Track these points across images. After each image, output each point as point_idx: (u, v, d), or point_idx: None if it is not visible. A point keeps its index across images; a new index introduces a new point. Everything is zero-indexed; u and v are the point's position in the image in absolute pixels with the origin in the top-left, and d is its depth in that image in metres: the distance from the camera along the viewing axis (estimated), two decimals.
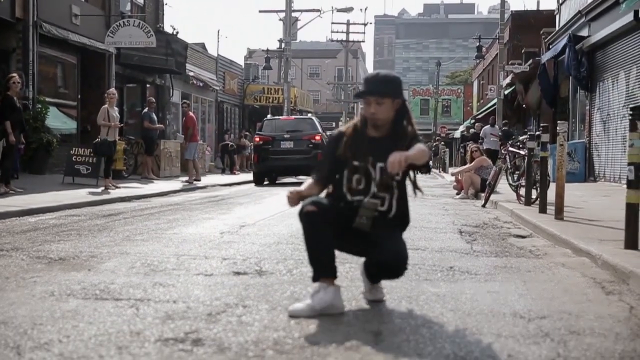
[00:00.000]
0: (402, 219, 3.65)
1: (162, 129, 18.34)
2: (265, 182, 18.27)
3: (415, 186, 3.74)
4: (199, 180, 17.03)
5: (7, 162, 10.78)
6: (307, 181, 3.66)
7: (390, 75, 3.66)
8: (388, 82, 3.57)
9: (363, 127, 3.63)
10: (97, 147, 12.88)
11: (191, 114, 17.93)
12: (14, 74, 11.42)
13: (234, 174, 23.96)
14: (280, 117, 23.45)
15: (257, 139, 18.01)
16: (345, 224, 3.48)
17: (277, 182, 18.53)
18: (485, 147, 18.57)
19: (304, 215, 3.35)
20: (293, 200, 3.51)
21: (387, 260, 3.41)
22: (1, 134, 10.67)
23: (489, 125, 21.65)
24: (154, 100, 19.20)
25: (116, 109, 13.43)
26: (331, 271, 3.37)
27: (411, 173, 3.66)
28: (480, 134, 21.56)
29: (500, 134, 20.92)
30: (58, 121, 17.46)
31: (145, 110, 18.31)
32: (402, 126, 3.59)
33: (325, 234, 3.35)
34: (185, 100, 20.98)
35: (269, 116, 24.53)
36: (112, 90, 13.54)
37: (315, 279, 3.38)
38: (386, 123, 3.57)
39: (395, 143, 3.48)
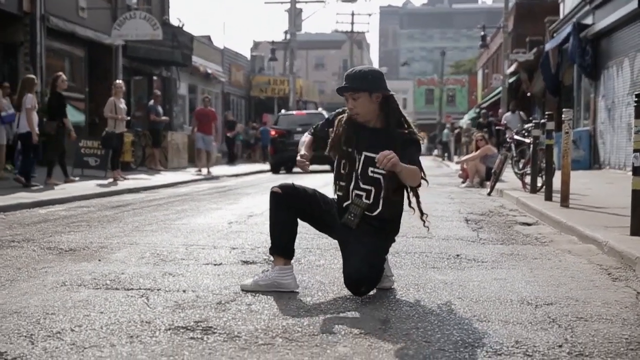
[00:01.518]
0: (389, 224, 3.61)
1: (168, 121, 18.44)
2: (282, 171, 19.55)
3: (419, 209, 3.66)
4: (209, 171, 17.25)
5: (57, 156, 11.39)
6: (305, 139, 3.85)
7: (368, 69, 3.66)
8: (363, 78, 3.57)
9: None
10: (105, 140, 12.93)
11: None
12: (61, 73, 11.94)
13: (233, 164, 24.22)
14: (294, 112, 23.97)
15: (273, 133, 19.56)
16: (331, 214, 3.64)
17: (292, 171, 19.55)
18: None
19: (270, 195, 3.64)
20: (305, 165, 3.64)
21: (345, 279, 3.47)
22: (56, 128, 11.24)
23: (509, 112, 19.19)
24: (159, 93, 19.26)
25: (123, 101, 13.46)
26: (284, 252, 3.61)
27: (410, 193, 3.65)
28: (503, 120, 18.73)
29: (524, 119, 17.85)
30: (67, 114, 17.50)
31: (151, 103, 18.37)
32: (392, 123, 3.58)
33: (284, 215, 3.59)
34: (207, 95, 21.03)
35: (283, 111, 24.99)
36: (119, 82, 13.57)
37: (270, 252, 3.67)
38: (369, 117, 3.59)
39: (388, 135, 3.53)
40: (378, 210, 3.54)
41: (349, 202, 3.57)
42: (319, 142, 3.81)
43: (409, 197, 3.68)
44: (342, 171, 3.63)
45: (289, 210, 3.59)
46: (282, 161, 19.20)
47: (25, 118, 10.54)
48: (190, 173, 16.83)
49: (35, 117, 10.70)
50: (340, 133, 3.63)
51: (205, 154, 17.37)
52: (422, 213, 3.66)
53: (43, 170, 11.58)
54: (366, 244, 3.48)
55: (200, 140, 17.26)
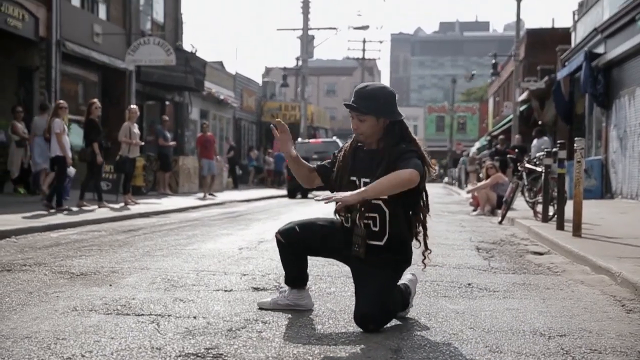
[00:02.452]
0: (400, 250, 3.48)
1: (175, 146, 18.75)
2: (298, 196, 20.50)
3: (424, 240, 3.57)
4: (214, 195, 17.70)
5: (95, 180, 11.98)
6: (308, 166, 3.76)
7: (378, 90, 3.46)
8: (372, 99, 3.41)
9: (357, 140, 3.59)
10: (119, 164, 13.03)
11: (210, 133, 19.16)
12: (95, 100, 12.28)
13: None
14: (310, 140, 24.96)
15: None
16: (335, 247, 3.63)
17: (308, 196, 20.45)
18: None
19: (276, 240, 3.72)
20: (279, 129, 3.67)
21: (355, 318, 3.40)
22: (90, 154, 11.77)
23: (535, 139, 17.51)
24: (167, 118, 19.48)
25: (136, 125, 13.58)
26: (296, 283, 3.76)
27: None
28: (533, 149, 17.16)
29: (549, 146, 15.36)
30: (79, 138, 17.66)
31: (159, 127, 18.60)
32: (391, 142, 3.42)
33: (290, 255, 3.68)
34: (204, 121, 21.43)
35: (299, 140, 25.66)
36: (134, 107, 13.70)
37: (285, 282, 3.81)
38: (373, 138, 3.49)
39: (382, 159, 3.41)
40: (386, 237, 3.44)
41: (354, 235, 3.48)
42: (323, 178, 3.72)
43: (416, 229, 3.56)
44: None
45: (294, 250, 3.65)
46: (298, 186, 20.03)
47: (56, 142, 10.74)
48: (194, 197, 16.87)
49: (66, 141, 10.89)
50: (343, 165, 3.57)
51: (210, 179, 18.05)
52: (425, 247, 3.58)
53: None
54: (377, 281, 3.41)
55: (207, 166, 18.01)
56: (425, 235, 3.58)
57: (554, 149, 9.42)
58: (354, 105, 3.45)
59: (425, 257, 3.59)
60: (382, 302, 3.38)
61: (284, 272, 3.80)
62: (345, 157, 3.59)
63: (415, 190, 3.37)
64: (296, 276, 3.73)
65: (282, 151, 3.69)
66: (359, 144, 3.59)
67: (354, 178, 3.50)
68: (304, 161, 3.73)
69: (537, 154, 11.37)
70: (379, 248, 3.46)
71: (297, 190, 20.41)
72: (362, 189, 3.33)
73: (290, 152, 3.63)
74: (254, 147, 32.84)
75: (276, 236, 3.69)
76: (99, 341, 3.07)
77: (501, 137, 23.02)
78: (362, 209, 3.44)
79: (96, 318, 3.54)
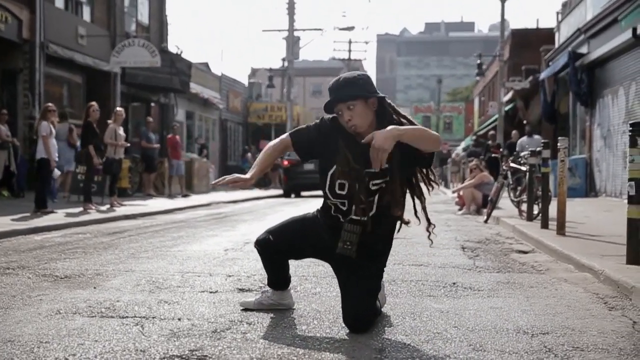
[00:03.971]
0: (386, 241, 3.44)
1: (159, 148, 18.86)
2: (292, 196, 21.78)
3: (425, 215, 3.44)
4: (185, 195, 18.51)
5: (88, 183, 12.09)
6: (273, 146, 3.50)
7: (354, 75, 3.32)
8: (353, 83, 3.26)
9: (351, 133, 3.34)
10: (105, 166, 12.98)
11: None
12: (93, 102, 12.28)
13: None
14: None
15: (286, 162, 21.51)
16: (315, 247, 3.54)
17: (301, 194, 21.91)
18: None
19: (255, 245, 3.69)
20: (241, 184, 3.37)
21: (344, 319, 3.36)
22: (85, 157, 11.98)
23: (525, 137, 16.39)
24: (151, 119, 19.48)
25: (121, 127, 13.52)
26: (278, 285, 3.77)
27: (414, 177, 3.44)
28: (517, 148, 15.76)
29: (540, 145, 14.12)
30: None
31: (143, 129, 18.60)
32: (386, 125, 3.19)
33: (269, 261, 3.67)
34: (175, 123, 21.65)
35: None
36: (120, 109, 13.66)
37: (268, 285, 3.82)
38: (367, 127, 3.26)
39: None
40: (381, 231, 3.36)
41: (345, 232, 3.30)
42: (301, 150, 3.45)
43: (414, 206, 3.48)
44: (340, 192, 3.34)
45: (272, 258, 3.65)
46: (293, 187, 21.68)
47: (42, 145, 10.70)
48: (170, 200, 16.83)
49: (53, 144, 10.85)
50: (345, 154, 3.29)
51: (179, 178, 18.88)
52: (429, 222, 3.47)
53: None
54: (364, 282, 3.36)
55: (175, 166, 18.59)
56: (424, 208, 3.44)
57: (538, 149, 9.49)
58: (338, 97, 3.26)
59: (430, 233, 3.48)
60: (371, 302, 3.39)
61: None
62: (347, 151, 3.30)
63: (427, 160, 3.33)
64: (278, 281, 3.76)
65: (249, 184, 3.41)
66: (350, 135, 3.34)
67: (357, 167, 3.29)
68: (267, 162, 3.50)
69: (522, 153, 11.42)
70: (371, 237, 3.32)
71: (292, 191, 21.73)
72: (399, 128, 3.10)
73: (254, 177, 3.43)
74: (249, 148, 32.72)
75: (255, 246, 3.69)
76: (83, 344, 3.06)
77: (491, 132, 22.01)
78: (362, 196, 3.25)
79: (80, 321, 3.53)
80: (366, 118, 3.26)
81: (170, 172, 18.77)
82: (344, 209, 3.38)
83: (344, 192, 3.34)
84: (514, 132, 20.17)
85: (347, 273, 3.43)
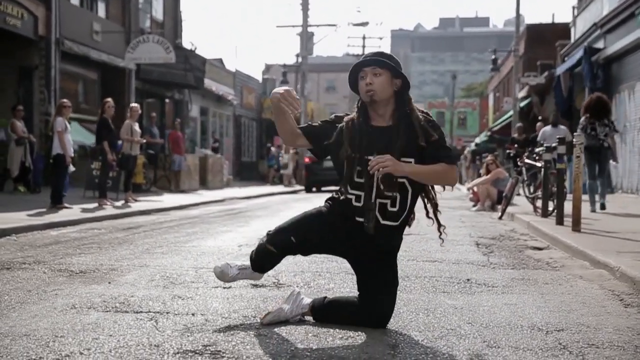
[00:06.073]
0: (402, 234, 3.42)
1: (162, 143, 19.05)
2: (313, 190, 23.15)
3: (435, 217, 3.47)
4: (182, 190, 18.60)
5: (100, 177, 12.18)
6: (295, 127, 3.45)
7: (390, 53, 3.44)
8: (386, 55, 3.35)
9: (364, 116, 3.35)
10: (121, 162, 13.05)
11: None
12: (109, 99, 12.31)
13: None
14: None
15: (307, 159, 23.24)
16: (340, 238, 3.37)
17: (322, 189, 22.96)
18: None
19: (263, 249, 3.39)
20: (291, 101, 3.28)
21: (367, 321, 3.33)
22: (100, 153, 12.05)
23: (549, 126, 14.70)
24: (155, 115, 19.69)
25: (137, 123, 13.60)
26: (263, 271, 3.58)
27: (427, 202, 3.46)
28: (538, 138, 14.30)
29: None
30: (80, 136, 17.71)
31: (147, 125, 18.71)
32: (405, 113, 3.27)
33: (276, 260, 3.47)
34: (177, 119, 21.59)
35: None
36: (136, 105, 13.71)
37: (253, 268, 3.53)
38: (385, 102, 3.29)
39: (400, 132, 3.24)
40: (403, 216, 3.32)
41: (364, 209, 3.25)
42: (311, 139, 3.43)
43: (425, 207, 3.49)
44: (358, 179, 3.29)
45: (283, 256, 3.44)
46: (314, 183, 23.12)
47: (57, 140, 10.78)
48: (170, 196, 16.88)
49: (69, 140, 10.92)
50: (352, 142, 3.29)
51: (179, 174, 18.99)
52: (439, 225, 3.48)
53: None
54: (385, 277, 3.33)
55: (177, 161, 18.68)
56: (436, 212, 3.47)
57: (554, 144, 9.40)
58: (368, 60, 3.29)
59: (441, 233, 3.48)
60: (391, 299, 3.37)
61: (254, 258, 3.49)
62: (351, 133, 3.30)
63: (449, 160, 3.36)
64: (265, 269, 3.55)
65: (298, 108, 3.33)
66: (361, 120, 3.34)
67: (370, 157, 3.20)
68: (293, 119, 3.44)
69: (537, 150, 11.30)
70: (391, 229, 3.31)
71: (312, 185, 23.12)
72: (409, 165, 3.19)
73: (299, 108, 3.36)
74: (273, 144, 32.58)
75: (267, 247, 3.35)
76: (97, 339, 3.08)
77: (519, 124, 18.99)
78: (382, 186, 3.23)
79: (95, 316, 3.55)
80: (385, 91, 3.28)
81: (172, 167, 18.89)
82: (364, 196, 3.30)
83: (362, 180, 3.29)
84: (539, 124, 17.64)
85: (364, 270, 3.38)
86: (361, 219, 3.28)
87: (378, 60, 3.28)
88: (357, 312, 3.35)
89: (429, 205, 3.49)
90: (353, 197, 3.32)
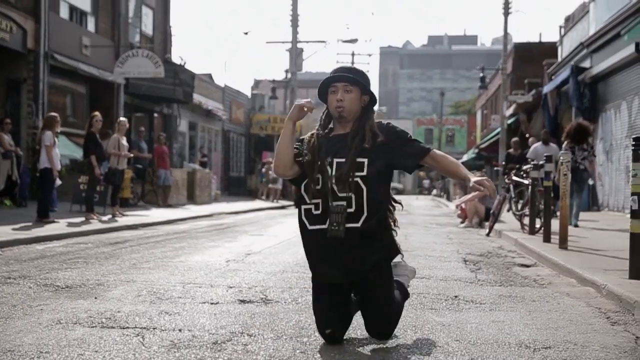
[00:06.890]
0: (383, 235, 3.36)
1: (150, 158, 18.97)
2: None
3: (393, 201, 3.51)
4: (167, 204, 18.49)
5: (90, 192, 12.10)
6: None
7: (361, 69, 3.57)
8: (358, 72, 3.49)
9: (326, 126, 3.50)
10: (108, 176, 13.00)
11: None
12: (97, 113, 12.27)
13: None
14: None
15: None
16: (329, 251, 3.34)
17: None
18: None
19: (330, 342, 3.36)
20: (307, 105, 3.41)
21: (370, 333, 3.42)
22: (87, 167, 12.03)
23: (539, 143, 13.93)
24: (143, 129, 19.58)
25: (124, 138, 13.56)
26: None
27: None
28: (528, 155, 13.59)
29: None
30: (67, 149, 17.63)
31: (135, 139, 18.66)
32: (364, 125, 3.40)
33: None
34: (161, 133, 21.48)
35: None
36: (124, 119, 13.69)
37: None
38: (352, 117, 3.42)
39: (354, 139, 3.36)
40: (364, 217, 3.27)
41: (331, 214, 3.27)
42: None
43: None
44: (317, 187, 3.34)
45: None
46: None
47: (45, 154, 10.73)
48: (156, 211, 16.82)
49: (56, 154, 10.88)
50: (317, 150, 3.40)
51: (167, 189, 18.84)
52: (393, 222, 3.49)
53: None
54: (382, 292, 3.33)
55: (163, 176, 18.49)
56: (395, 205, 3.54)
57: (541, 162, 9.47)
58: (340, 76, 3.42)
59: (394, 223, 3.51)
60: (392, 312, 3.42)
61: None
62: (316, 142, 3.42)
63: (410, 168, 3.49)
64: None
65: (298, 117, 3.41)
66: (325, 131, 3.48)
67: (329, 159, 3.35)
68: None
69: (525, 167, 11.35)
70: (358, 231, 3.26)
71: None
72: (465, 169, 3.56)
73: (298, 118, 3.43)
74: (239, 158, 32.55)
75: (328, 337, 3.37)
76: (83, 355, 3.05)
77: (514, 139, 17.95)
78: (336, 187, 3.28)
79: (80, 331, 3.52)
80: (354, 107, 3.42)
81: (158, 182, 18.79)
82: (322, 202, 3.34)
83: (319, 186, 3.34)
84: (531, 139, 17.20)
85: (362, 290, 3.37)
86: (323, 226, 3.28)
87: (350, 78, 3.42)
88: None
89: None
90: (312, 206, 3.36)
